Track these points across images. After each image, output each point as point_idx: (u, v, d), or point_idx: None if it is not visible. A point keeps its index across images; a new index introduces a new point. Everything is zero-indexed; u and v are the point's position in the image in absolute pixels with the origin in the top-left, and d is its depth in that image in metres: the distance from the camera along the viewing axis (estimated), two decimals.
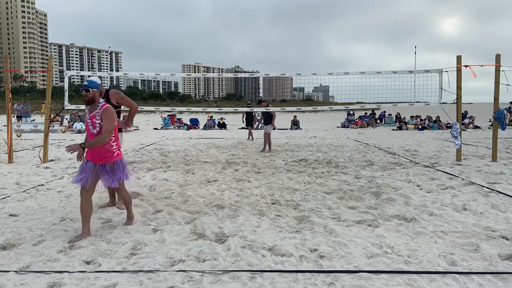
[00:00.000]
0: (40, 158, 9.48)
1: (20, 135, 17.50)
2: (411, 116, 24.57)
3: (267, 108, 11.86)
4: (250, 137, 16.56)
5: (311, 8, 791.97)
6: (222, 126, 24.47)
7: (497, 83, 9.26)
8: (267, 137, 12.07)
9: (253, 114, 17.19)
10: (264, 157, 10.52)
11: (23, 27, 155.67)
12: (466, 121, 23.33)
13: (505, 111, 9.88)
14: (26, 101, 26.86)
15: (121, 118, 5.56)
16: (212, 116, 26.18)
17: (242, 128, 21.53)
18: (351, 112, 26.36)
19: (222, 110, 13.83)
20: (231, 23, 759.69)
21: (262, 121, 12.88)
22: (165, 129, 24.18)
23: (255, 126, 17.47)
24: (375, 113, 28.59)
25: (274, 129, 13.17)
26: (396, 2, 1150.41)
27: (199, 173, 8.11)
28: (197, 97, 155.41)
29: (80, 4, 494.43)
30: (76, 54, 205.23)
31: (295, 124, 24.45)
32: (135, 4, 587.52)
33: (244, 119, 17.75)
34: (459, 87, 9.48)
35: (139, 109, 6.37)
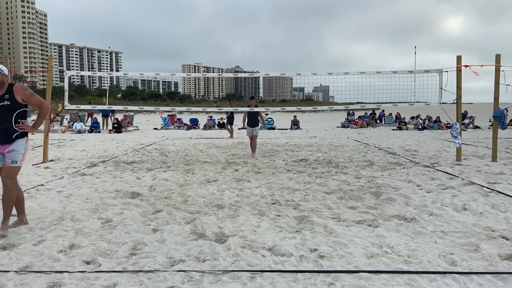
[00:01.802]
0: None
1: None
2: (411, 117, 24.57)
3: (267, 108, 11.83)
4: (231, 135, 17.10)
5: (312, 7, 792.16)
6: (222, 126, 24.46)
7: (497, 83, 9.27)
8: (255, 140, 10.96)
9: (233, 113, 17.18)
10: (264, 157, 10.52)
11: (23, 27, 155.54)
12: (466, 121, 23.33)
13: (505, 111, 9.87)
14: None
15: (30, 120, 4.62)
16: (212, 116, 26.19)
17: (242, 128, 21.70)
18: (351, 112, 26.38)
19: (222, 110, 13.87)
20: (231, 23, 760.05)
21: (246, 121, 11.19)
22: (165, 129, 24.18)
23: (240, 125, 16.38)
24: (375, 113, 28.62)
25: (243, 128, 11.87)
26: (399, 0, 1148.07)
27: (199, 173, 8.11)
28: (197, 97, 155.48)
29: (80, 4, 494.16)
30: (76, 54, 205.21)
31: (295, 124, 24.46)
32: (134, 4, 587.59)
33: (226, 118, 17.56)
34: (459, 87, 9.48)
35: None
